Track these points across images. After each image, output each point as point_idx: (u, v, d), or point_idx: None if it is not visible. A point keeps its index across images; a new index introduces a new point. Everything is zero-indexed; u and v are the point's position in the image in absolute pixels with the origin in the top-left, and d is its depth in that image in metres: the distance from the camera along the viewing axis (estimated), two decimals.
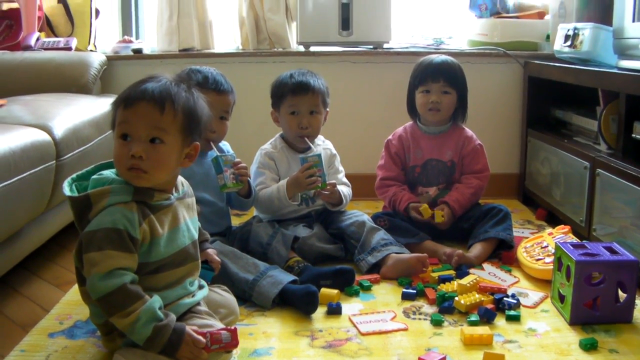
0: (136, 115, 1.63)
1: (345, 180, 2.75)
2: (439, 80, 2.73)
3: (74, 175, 1.71)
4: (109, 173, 1.69)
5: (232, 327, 1.67)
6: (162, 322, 1.58)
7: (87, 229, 1.60)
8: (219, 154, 2.31)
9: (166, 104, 1.65)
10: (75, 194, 1.64)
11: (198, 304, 1.79)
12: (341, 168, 2.78)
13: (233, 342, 1.65)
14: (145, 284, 1.62)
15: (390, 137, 2.91)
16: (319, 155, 2.52)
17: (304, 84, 2.57)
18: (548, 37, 3.48)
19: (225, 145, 2.45)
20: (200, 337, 1.61)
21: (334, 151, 2.78)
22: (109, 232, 1.57)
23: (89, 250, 1.57)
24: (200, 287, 1.85)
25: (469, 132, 2.86)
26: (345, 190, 2.64)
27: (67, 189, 1.66)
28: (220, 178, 2.28)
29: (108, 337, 1.73)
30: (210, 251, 1.98)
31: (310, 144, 2.59)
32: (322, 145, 2.73)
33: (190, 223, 1.80)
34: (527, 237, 2.61)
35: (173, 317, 1.62)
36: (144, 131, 1.64)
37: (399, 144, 2.85)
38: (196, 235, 1.82)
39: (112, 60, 3.48)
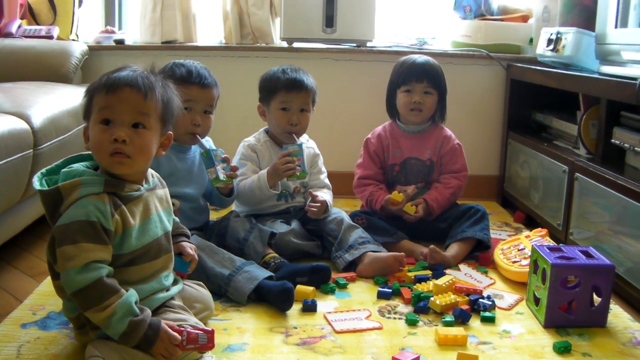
0: (120, 100, 1.63)
1: (327, 181, 2.75)
2: (422, 80, 2.74)
3: (43, 170, 1.68)
4: (78, 166, 1.67)
5: (210, 329, 1.67)
6: (138, 317, 1.57)
7: (60, 222, 1.58)
8: (212, 148, 2.31)
9: (148, 91, 1.66)
10: (46, 188, 1.62)
11: (172, 298, 1.79)
12: (324, 169, 2.78)
13: (209, 344, 1.65)
14: (119, 277, 1.61)
15: (369, 135, 2.91)
16: (300, 146, 2.52)
17: (299, 81, 2.57)
18: (531, 40, 3.50)
19: (208, 141, 2.44)
20: (176, 334, 1.60)
21: (317, 151, 2.77)
22: (83, 224, 1.56)
23: (63, 244, 1.55)
24: (175, 281, 1.84)
25: (448, 131, 2.87)
26: (328, 198, 2.63)
27: (37, 183, 1.63)
28: (211, 172, 2.27)
29: (81, 331, 1.71)
30: (186, 244, 1.94)
31: (297, 140, 2.58)
32: (306, 144, 2.72)
33: (163, 214, 1.79)
34: (504, 240, 2.62)
35: (149, 312, 1.61)
36: (127, 116, 1.64)
37: (377, 143, 2.86)
38: (169, 228, 1.81)
39: (94, 50, 3.45)
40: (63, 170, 1.65)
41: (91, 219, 1.56)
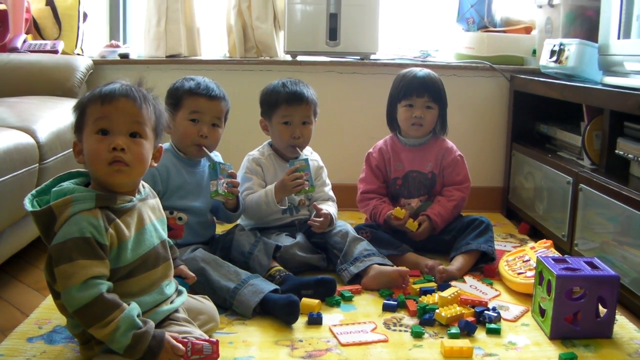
0: (117, 110, 1.65)
1: (331, 194, 2.75)
2: (423, 95, 2.73)
3: (33, 192, 1.68)
4: (68, 184, 1.67)
5: (215, 340, 1.67)
6: (141, 330, 1.57)
7: (55, 241, 1.58)
8: (218, 161, 2.32)
9: (143, 102, 1.69)
10: (38, 209, 1.62)
11: (176, 310, 1.79)
12: (328, 181, 2.78)
13: (214, 354, 1.65)
14: (120, 290, 1.61)
15: (371, 150, 2.91)
16: (306, 160, 2.53)
17: (299, 94, 2.57)
18: (534, 52, 3.51)
19: (217, 156, 2.45)
20: (180, 345, 1.60)
21: (321, 163, 2.78)
22: (77, 241, 1.56)
23: (60, 263, 1.55)
24: (179, 292, 1.84)
25: (450, 143, 2.87)
26: (333, 211, 2.63)
27: (28, 205, 1.63)
28: (212, 184, 2.28)
29: (86, 346, 1.72)
30: (183, 267, 2.00)
31: (301, 154, 2.60)
32: (310, 156, 2.71)
33: (157, 223, 1.79)
34: (509, 251, 2.62)
35: (152, 323, 1.61)
36: (124, 125, 1.65)
37: (379, 157, 2.86)
38: (165, 236, 1.82)
39: (99, 64, 3.46)
40: (54, 189, 1.65)
41: (85, 235, 1.56)
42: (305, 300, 2.15)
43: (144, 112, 1.68)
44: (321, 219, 2.52)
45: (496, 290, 2.38)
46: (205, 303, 1.98)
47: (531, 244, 2.60)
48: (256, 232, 2.49)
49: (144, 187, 1.81)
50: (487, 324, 2.05)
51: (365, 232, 2.63)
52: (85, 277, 1.54)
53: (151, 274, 1.73)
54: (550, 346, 1.95)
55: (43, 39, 3.58)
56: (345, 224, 2.61)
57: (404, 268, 2.40)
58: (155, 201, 1.84)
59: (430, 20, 4.03)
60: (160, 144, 1.80)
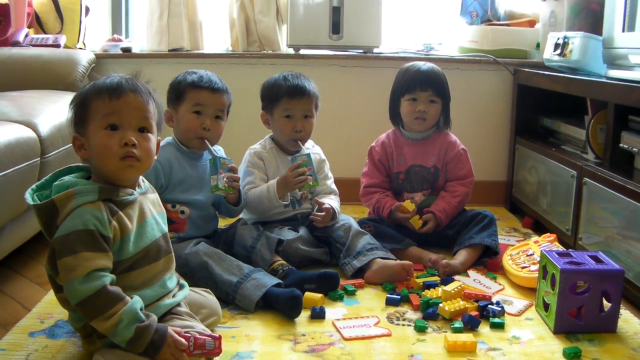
0: (127, 105, 1.65)
1: (334, 187, 2.75)
2: (427, 89, 2.71)
3: (33, 186, 1.67)
4: (69, 178, 1.66)
5: (217, 335, 1.66)
6: (144, 323, 1.56)
7: (58, 234, 1.57)
8: (221, 156, 2.32)
9: (148, 97, 1.70)
10: (39, 203, 1.61)
11: (178, 304, 1.78)
12: (330, 174, 2.77)
13: (216, 350, 1.64)
14: (122, 283, 1.61)
15: (373, 144, 2.90)
16: (308, 155, 2.53)
17: (301, 87, 2.57)
18: (538, 45, 3.49)
19: (220, 150, 2.45)
20: (182, 340, 1.59)
21: (323, 157, 2.77)
22: (81, 233, 1.55)
23: (63, 256, 1.55)
24: (181, 286, 1.83)
25: (453, 137, 2.85)
26: (335, 204, 2.62)
27: (29, 199, 1.63)
28: (213, 179, 2.28)
29: (87, 340, 1.71)
30: None
31: (302, 148, 2.60)
32: (312, 150, 2.71)
33: (158, 217, 1.79)
34: (513, 245, 2.61)
35: (154, 317, 1.61)
36: (134, 121, 1.66)
37: (382, 151, 2.85)
38: (166, 229, 1.81)
39: (101, 58, 3.46)
40: (55, 183, 1.65)
41: (89, 228, 1.56)
42: (308, 294, 2.14)
43: (150, 106, 1.69)
44: (323, 213, 2.51)
45: (500, 284, 2.37)
46: (207, 297, 1.97)
47: (535, 238, 2.58)
48: (259, 226, 2.49)
49: (144, 181, 1.81)
50: (490, 318, 2.04)
51: (368, 226, 2.62)
52: (89, 269, 1.54)
53: (153, 266, 1.72)
54: (554, 340, 1.94)
55: (45, 33, 3.57)
56: (349, 218, 2.60)
57: (407, 262, 2.40)
58: (155, 196, 1.84)
59: (434, 13, 4.02)
60: (158, 138, 1.79)
